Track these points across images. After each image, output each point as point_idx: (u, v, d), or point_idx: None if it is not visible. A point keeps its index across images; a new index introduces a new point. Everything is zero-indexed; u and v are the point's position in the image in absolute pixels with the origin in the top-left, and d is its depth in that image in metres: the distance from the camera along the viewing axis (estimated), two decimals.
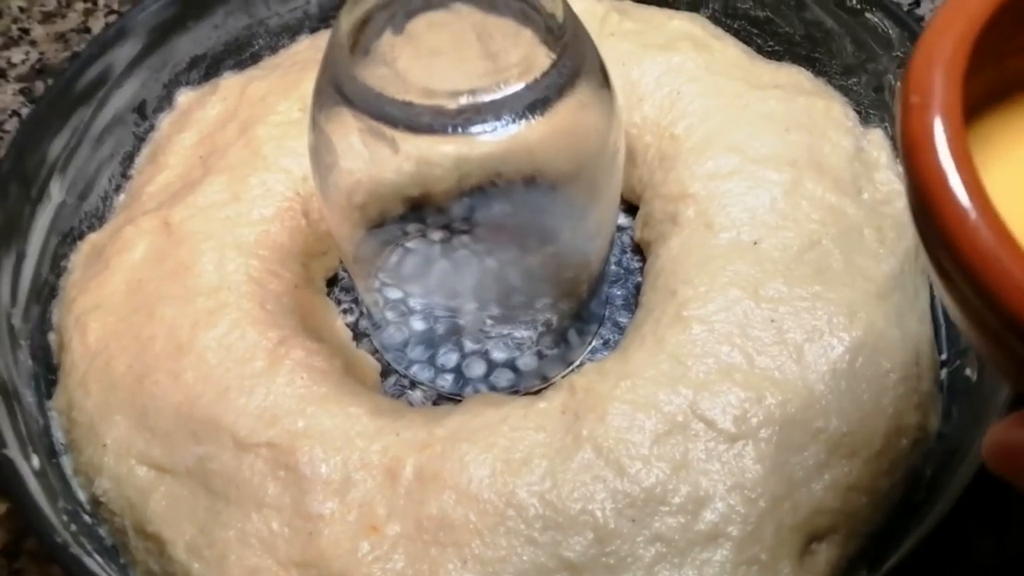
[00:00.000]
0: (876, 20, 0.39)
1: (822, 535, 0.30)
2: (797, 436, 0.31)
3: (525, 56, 0.29)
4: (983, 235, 0.17)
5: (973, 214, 0.17)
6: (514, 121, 0.28)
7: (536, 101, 0.28)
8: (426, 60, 0.30)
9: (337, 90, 0.29)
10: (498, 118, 0.28)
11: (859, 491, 0.30)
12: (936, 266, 0.18)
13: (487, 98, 0.28)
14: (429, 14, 0.30)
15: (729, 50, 0.42)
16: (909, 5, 0.52)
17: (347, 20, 0.28)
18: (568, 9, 0.29)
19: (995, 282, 0.16)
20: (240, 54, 0.45)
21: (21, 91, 0.52)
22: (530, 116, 0.29)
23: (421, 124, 0.28)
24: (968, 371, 0.33)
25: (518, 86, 0.28)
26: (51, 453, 0.33)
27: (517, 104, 0.28)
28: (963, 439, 0.31)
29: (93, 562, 0.28)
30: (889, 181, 0.38)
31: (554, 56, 0.29)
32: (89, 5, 0.56)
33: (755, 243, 0.35)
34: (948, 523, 0.35)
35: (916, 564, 0.34)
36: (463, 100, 0.28)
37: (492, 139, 0.29)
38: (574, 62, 0.29)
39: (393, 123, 0.28)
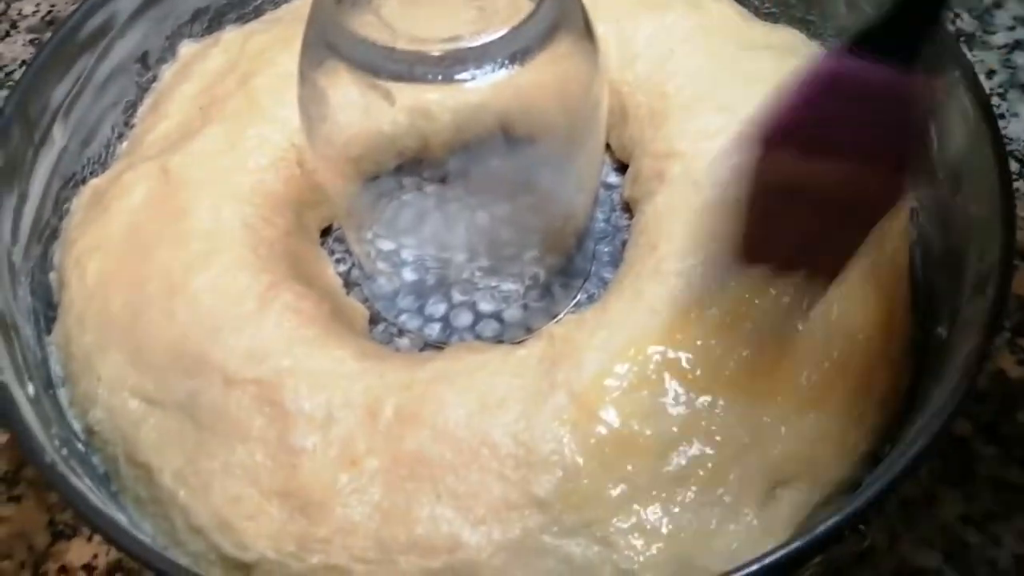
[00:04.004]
0: None
1: (786, 482, 0.30)
2: (767, 386, 0.31)
3: (510, 3, 0.30)
4: None
5: None
6: (497, 69, 0.29)
7: (518, 49, 0.29)
8: (411, 8, 0.30)
9: (325, 40, 0.30)
10: (480, 65, 0.29)
11: (825, 442, 0.31)
12: None
13: (470, 44, 0.28)
14: None
15: (723, 10, 0.42)
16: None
17: None
18: None
19: None
20: (243, 7, 0.46)
21: (31, 42, 0.53)
22: (513, 64, 0.29)
23: (406, 71, 0.29)
24: (940, 329, 0.33)
25: (500, 32, 0.29)
26: (48, 385, 0.34)
27: (500, 51, 0.29)
28: (932, 396, 0.31)
29: (81, 484, 0.29)
30: None
31: (536, 4, 0.30)
32: None
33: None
34: (916, 476, 0.36)
35: (884, 513, 0.35)
36: (446, 46, 0.28)
37: (476, 86, 0.29)
38: (556, 12, 0.30)
39: (377, 71, 0.29)
